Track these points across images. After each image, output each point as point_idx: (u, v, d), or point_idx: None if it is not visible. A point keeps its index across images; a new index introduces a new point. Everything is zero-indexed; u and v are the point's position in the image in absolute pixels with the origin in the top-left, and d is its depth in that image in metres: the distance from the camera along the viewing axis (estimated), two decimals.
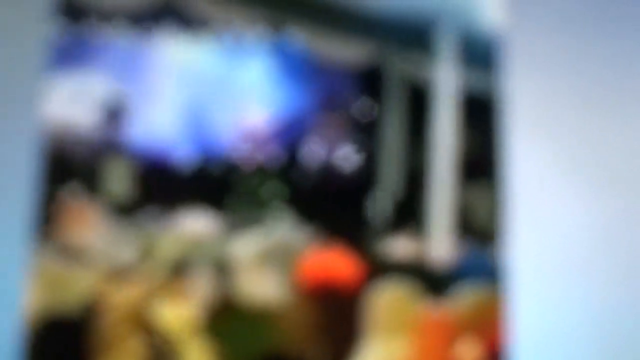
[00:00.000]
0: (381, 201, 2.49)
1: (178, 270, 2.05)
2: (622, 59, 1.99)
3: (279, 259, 2.08)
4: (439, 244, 2.48)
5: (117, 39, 2.34)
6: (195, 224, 2.08)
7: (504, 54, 2.00)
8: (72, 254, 2.04)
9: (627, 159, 1.90)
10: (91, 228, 2.05)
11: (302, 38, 2.52)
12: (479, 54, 2.39)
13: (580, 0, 1.95)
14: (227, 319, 2.00)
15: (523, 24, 2.12)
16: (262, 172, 2.23)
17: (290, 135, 2.40)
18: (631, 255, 1.81)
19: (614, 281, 1.85)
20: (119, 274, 1.96)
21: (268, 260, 2.07)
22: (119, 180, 2.16)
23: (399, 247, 2.26)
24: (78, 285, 1.97)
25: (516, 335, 1.74)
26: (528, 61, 2.05)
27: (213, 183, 2.19)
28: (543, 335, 1.76)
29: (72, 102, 2.30)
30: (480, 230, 2.59)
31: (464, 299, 1.99)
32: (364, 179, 2.39)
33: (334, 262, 2.05)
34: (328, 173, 2.29)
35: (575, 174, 1.91)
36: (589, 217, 1.85)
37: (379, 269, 2.08)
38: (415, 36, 2.71)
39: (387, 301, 1.95)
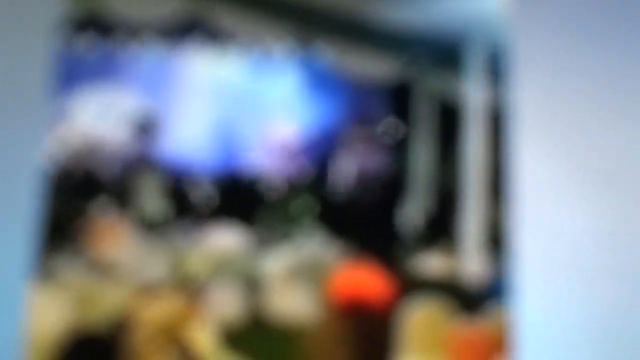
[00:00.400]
0: (412, 217, 2.46)
1: (208, 286, 2.03)
2: (630, 65, 1.97)
3: (309, 274, 2.06)
4: (472, 260, 2.44)
5: (145, 54, 2.34)
6: (224, 239, 2.07)
7: (510, 62, 2.00)
8: (102, 270, 2.03)
9: (633, 164, 1.89)
10: (121, 243, 2.04)
11: (331, 53, 2.51)
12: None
13: (587, 7, 1.94)
14: (257, 335, 1.98)
15: (529, 32, 2.11)
16: (291, 186, 2.21)
17: (320, 150, 2.39)
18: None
19: (622, 288, 1.83)
20: (149, 289, 1.95)
21: (298, 276, 2.05)
22: (149, 195, 2.15)
23: (431, 263, 2.23)
24: (108, 301, 1.96)
25: (522, 342, 1.73)
26: (534, 69, 2.04)
27: (243, 198, 2.17)
28: (549, 342, 1.75)
29: (102, 117, 2.30)
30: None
31: (497, 316, 1.96)
32: (394, 195, 2.36)
33: (365, 279, 2.02)
34: (358, 188, 2.27)
35: (582, 180, 1.89)
36: (596, 223, 1.84)
37: (411, 285, 2.05)
38: (444, 52, 2.69)
39: (420, 319, 1.92)
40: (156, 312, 1.82)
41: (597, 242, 1.84)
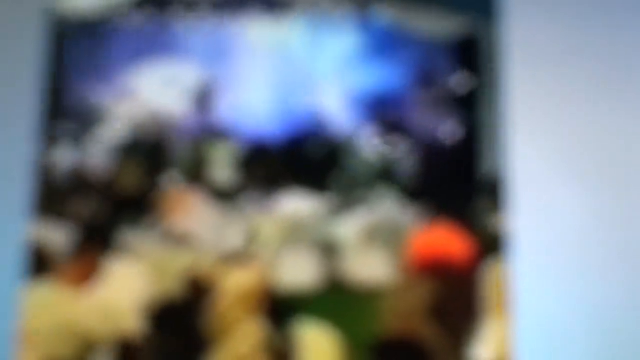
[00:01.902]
0: (486, 175, 2.40)
1: (283, 253, 2.01)
2: (624, 49, 1.95)
3: (386, 237, 2.02)
4: None
5: (203, 24, 2.31)
6: (297, 206, 2.04)
7: (502, 44, 2.00)
8: (176, 240, 2.03)
9: (630, 149, 1.88)
10: (194, 214, 2.03)
11: (392, 12, 2.45)
12: None
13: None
14: (334, 300, 1.96)
15: (522, 15, 2.11)
16: (361, 150, 2.17)
17: (388, 112, 2.34)
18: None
19: (619, 271, 1.83)
20: (227, 258, 1.94)
21: (374, 240, 2.02)
22: (218, 165, 2.13)
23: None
24: (184, 271, 1.96)
25: (518, 317, 1.74)
26: (527, 52, 2.06)
27: (313, 163, 2.14)
28: (546, 324, 1.75)
29: (164, 90, 2.28)
30: None
31: None
32: (467, 154, 2.31)
33: (444, 239, 1.98)
34: (429, 149, 2.22)
35: (576, 163, 1.90)
36: (591, 206, 1.84)
37: (490, 245, 2.00)
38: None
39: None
40: (236, 281, 1.81)
41: (595, 224, 1.82)
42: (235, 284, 1.86)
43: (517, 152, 2.05)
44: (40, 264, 2.04)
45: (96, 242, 2.05)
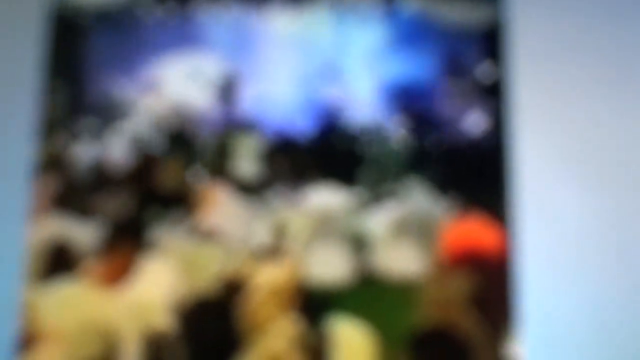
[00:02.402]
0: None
1: (312, 247, 1.98)
2: (632, 51, 1.94)
3: (417, 230, 1.99)
4: None
5: (226, 16, 2.28)
6: (326, 199, 2.01)
7: (508, 44, 2.02)
8: (205, 236, 2.00)
9: (634, 146, 1.88)
10: (221, 208, 2.00)
11: (418, 2, 2.41)
12: None
13: None
14: (366, 294, 1.93)
15: (527, 13, 2.12)
16: (389, 142, 2.14)
17: (416, 103, 2.30)
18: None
19: (623, 267, 1.83)
20: (257, 254, 1.91)
21: (405, 232, 1.98)
22: (245, 158, 2.10)
23: None
24: (213, 266, 1.93)
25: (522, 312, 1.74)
26: (532, 50, 2.07)
27: (340, 156, 2.11)
28: (552, 322, 1.76)
29: (188, 83, 2.25)
30: None
31: None
32: (495, 144, 2.27)
33: (476, 230, 1.94)
34: (458, 139, 2.18)
35: (579, 162, 1.90)
36: (595, 205, 1.84)
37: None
38: None
39: None
40: (268, 277, 1.78)
41: (599, 221, 1.81)
42: (268, 280, 1.83)
43: (523, 152, 2.04)
44: (65, 261, 2.02)
45: (122, 239, 2.02)
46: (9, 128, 2.10)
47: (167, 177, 2.08)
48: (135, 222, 2.01)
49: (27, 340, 1.91)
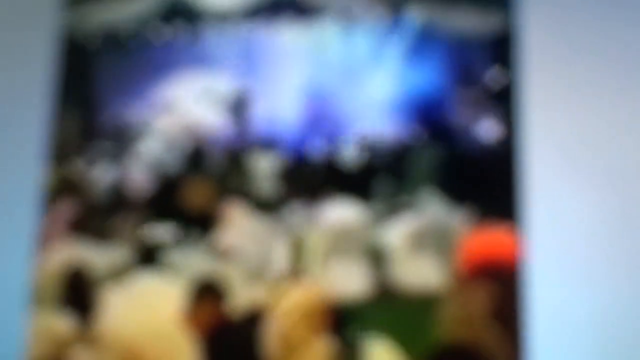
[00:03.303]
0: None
1: (331, 262, 1.98)
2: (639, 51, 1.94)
3: (435, 241, 1.98)
4: None
5: (235, 35, 2.29)
6: (342, 214, 2.00)
7: (518, 50, 2.03)
8: (222, 255, 2.00)
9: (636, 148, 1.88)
10: (239, 228, 2.00)
11: (426, 12, 2.41)
12: None
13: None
14: (386, 308, 1.92)
15: (537, 19, 2.14)
16: (405, 153, 2.14)
17: (428, 113, 2.30)
18: None
19: (627, 261, 1.83)
20: (278, 274, 1.90)
21: (423, 244, 1.98)
22: (259, 176, 2.10)
23: None
24: (236, 288, 1.93)
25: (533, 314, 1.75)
26: (542, 55, 2.08)
27: (354, 169, 2.10)
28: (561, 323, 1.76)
29: (200, 102, 2.26)
30: None
31: None
32: (507, 152, 2.26)
33: (495, 241, 1.94)
34: (472, 147, 2.17)
35: (590, 165, 1.91)
36: (602, 206, 1.84)
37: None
38: None
39: None
40: (296, 299, 1.78)
41: (610, 226, 1.81)
42: (295, 302, 1.82)
43: (534, 158, 2.05)
44: (81, 286, 2.02)
45: (140, 260, 2.03)
46: (21, 153, 2.11)
47: (184, 197, 2.09)
48: (153, 244, 2.01)
49: None
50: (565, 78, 2.02)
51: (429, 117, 2.29)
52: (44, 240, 2.03)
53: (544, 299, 1.81)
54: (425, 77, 2.38)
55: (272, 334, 1.80)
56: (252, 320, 1.81)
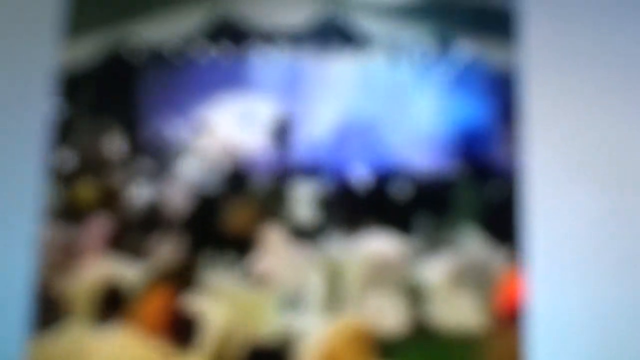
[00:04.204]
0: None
1: (366, 296, 1.95)
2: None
3: (474, 281, 1.95)
4: None
5: (280, 58, 2.28)
6: (381, 246, 1.98)
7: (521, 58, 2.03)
8: (259, 281, 1.98)
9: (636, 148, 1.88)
10: (276, 253, 1.98)
11: (474, 47, 2.39)
12: None
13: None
14: (421, 345, 1.89)
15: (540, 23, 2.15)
16: (445, 188, 2.11)
17: (472, 148, 2.28)
18: None
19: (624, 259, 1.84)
20: (312, 301, 1.88)
21: (462, 283, 1.95)
22: (299, 203, 2.08)
23: None
24: (267, 312, 1.91)
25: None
26: (544, 62, 2.09)
27: (397, 203, 2.08)
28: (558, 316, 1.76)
29: (241, 125, 2.25)
30: None
31: None
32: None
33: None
34: (516, 185, 2.14)
35: (588, 165, 1.92)
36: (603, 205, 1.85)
37: None
38: None
39: None
40: (337, 326, 1.76)
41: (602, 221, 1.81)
42: (339, 329, 1.80)
43: (532, 157, 2.06)
44: (114, 303, 2.01)
45: (175, 281, 2.01)
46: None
47: (223, 219, 2.07)
48: (186, 264, 2.00)
49: None
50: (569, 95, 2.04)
51: (472, 152, 2.27)
52: (80, 253, 2.02)
53: (544, 296, 1.81)
54: (470, 110, 2.36)
55: (313, 357, 1.77)
56: (285, 347, 1.79)
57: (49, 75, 2.09)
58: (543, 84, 2.20)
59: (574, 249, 1.84)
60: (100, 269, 2.01)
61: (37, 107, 2.06)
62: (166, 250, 2.02)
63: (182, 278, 1.99)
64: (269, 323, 1.91)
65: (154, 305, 1.94)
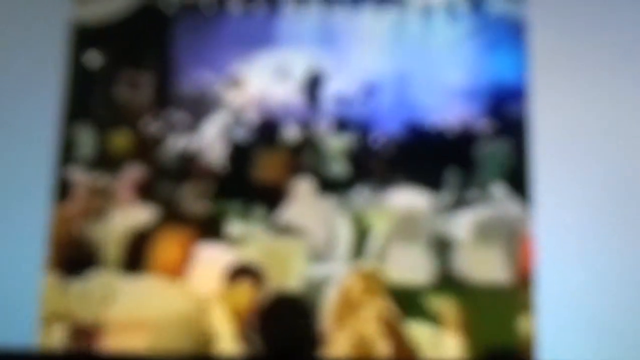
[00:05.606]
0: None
1: (393, 248, 1.97)
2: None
3: (501, 235, 1.96)
4: None
5: (312, 13, 2.28)
6: (409, 200, 2.00)
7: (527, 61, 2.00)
8: (287, 231, 2.01)
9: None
10: (305, 205, 2.01)
11: (505, 1, 2.37)
12: None
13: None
14: (447, 298, 1.91)
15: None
16: (474, 144, 2.11)
17: (503, 104, 2.27)
18: None
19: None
20: (340, 252, 1.91)
21: (489, 237, 1.96)
22: (329, 157, 2.10)
23: None
24: (298, 264, 1.94)
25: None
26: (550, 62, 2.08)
27: (426, 157, 2.09)
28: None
29: (273, 79, 2.26)
30: None
31: None
32: None
33: None
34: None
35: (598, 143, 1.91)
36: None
37: None
38: None
39: None
40: (358, 272, 1.79)
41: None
42: (360, 273, 1.83)
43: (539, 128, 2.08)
44: (143, 250, 2.05)
45: (205, 231, 2.05)
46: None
47: (253, 170, 2.10)
48: (216, 215, 2.03)
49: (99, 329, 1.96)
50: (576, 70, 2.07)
51: (504, 108, 2.26)
52: (111, 201, 2.06)
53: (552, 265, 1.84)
54: (502, 67, 2.35)
55: (333, 296, 1.81)
56: (311, 295, 1.83)
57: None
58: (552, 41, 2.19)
59: (581, 214, 1.85)
60: (132, 217, 2.05)
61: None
62: (196, 199, 2.06)
63: (209, 227, 2.02)
64: (296, 273, 1.94)
65: (179, 252, 1.99)
